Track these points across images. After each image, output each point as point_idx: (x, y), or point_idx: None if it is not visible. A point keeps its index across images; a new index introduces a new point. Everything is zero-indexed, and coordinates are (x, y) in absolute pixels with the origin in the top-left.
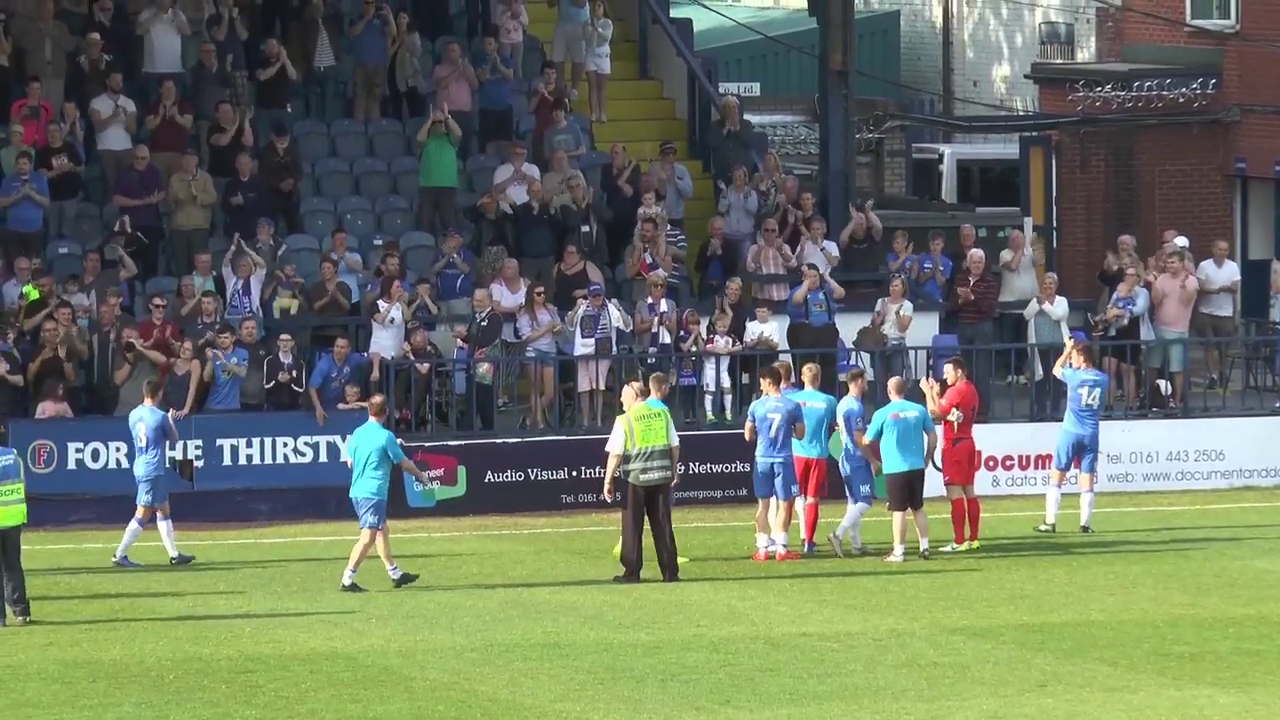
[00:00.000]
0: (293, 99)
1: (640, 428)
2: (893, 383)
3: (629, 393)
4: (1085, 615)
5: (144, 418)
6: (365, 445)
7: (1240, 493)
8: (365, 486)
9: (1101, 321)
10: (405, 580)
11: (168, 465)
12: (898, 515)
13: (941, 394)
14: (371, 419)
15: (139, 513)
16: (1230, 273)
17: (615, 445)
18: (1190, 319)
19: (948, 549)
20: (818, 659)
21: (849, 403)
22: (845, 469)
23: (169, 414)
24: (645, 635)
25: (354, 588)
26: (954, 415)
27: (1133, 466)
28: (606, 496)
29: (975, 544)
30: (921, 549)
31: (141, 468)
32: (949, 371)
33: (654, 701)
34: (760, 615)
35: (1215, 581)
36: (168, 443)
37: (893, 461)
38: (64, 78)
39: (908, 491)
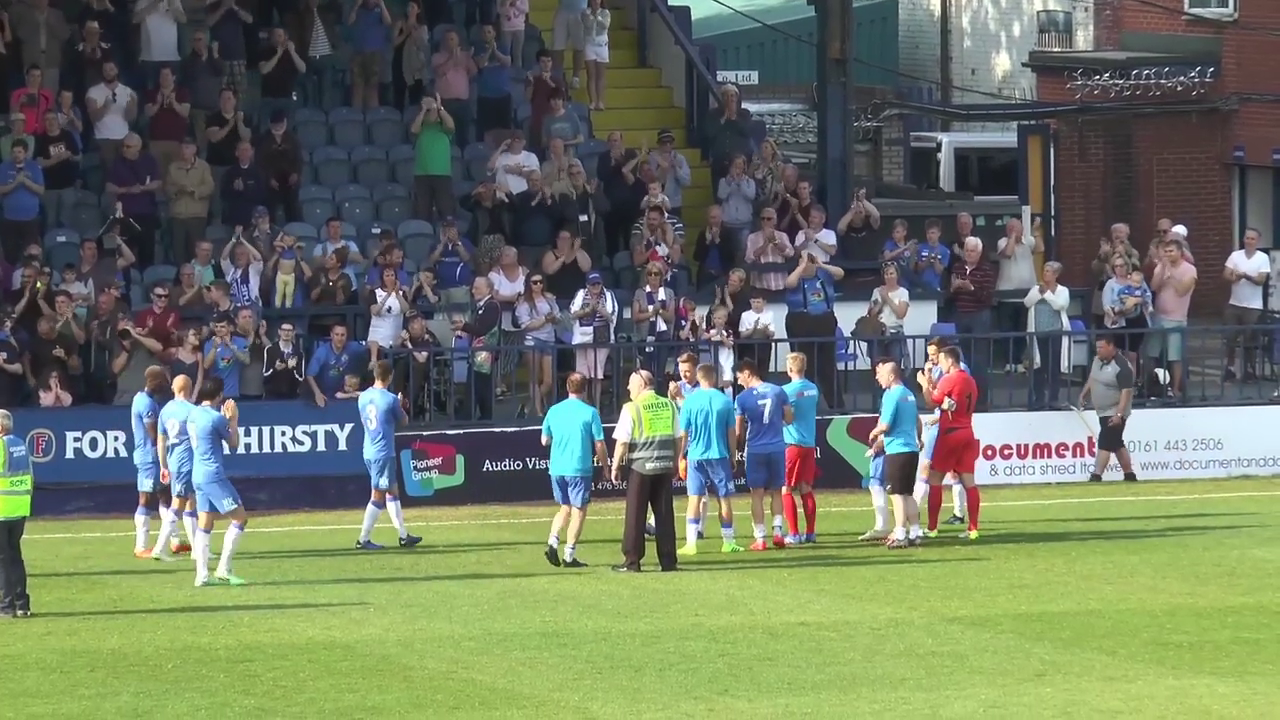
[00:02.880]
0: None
1: (648, 416)
2: (888, 369)
3: (637, 381)
4: (1084, 605)
5: (375, 400)
6: (568, 422)
7: (1239, 482)
8: (569, 463)
9: (1120, 313)
10: (578, 565)
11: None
12: (899, 498)
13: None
14: (572, 396)
15: (374, 496)
16: (1259, 263)
17: (623, 433)
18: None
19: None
20: (816, 648)
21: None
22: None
23: (400, 396)
24: (644, 624)
25: (575, 563)
26: (947, 404)
27: (1131, 455)
28: (614, 482)
29: (974, 535)
30: (911, 536)
31: (371, 450)
32: (943, 360)
33: (652, 690)
34: (759, 604)
35: (1214, 571)
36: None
37: (895, 443)
38: (59, 66)
39: (909, 473)
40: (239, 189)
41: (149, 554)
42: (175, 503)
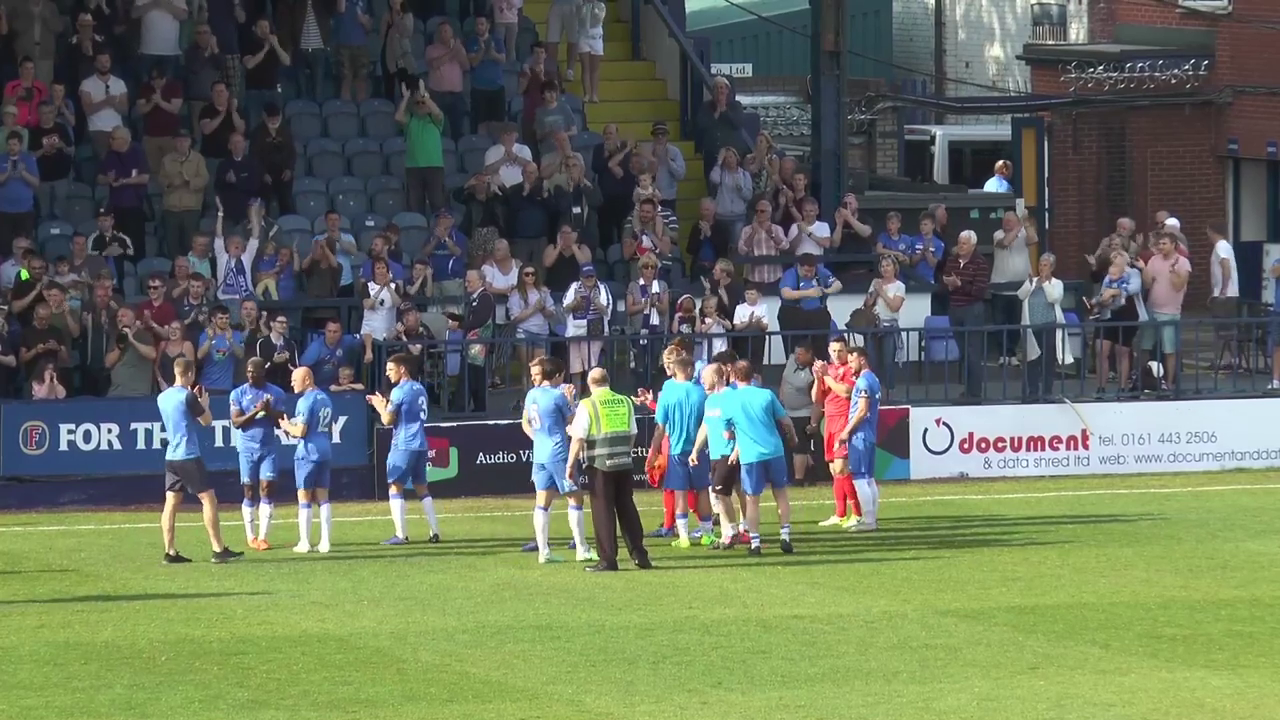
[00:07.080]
0: (283, 80)
1: (605, 412)
2: (740, 367)
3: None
4: (1077, 597)
5: (537, 399)
6: (750, 405)
7: (1232, 475)
8: (758, 448)
9: (1098, 304)
10: (756, 553)
11: None
12: (723, 499)
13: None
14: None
15: (540, 499)
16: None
17: (579, 429)
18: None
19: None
20: (809, 641)
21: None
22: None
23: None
24: (637, 617)
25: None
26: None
27: (1124, 448)
28: (568, 481)
29: (843, 522)
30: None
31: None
32: (835, 350)
33: (646, 683)
34: (752, 597)
35: (1207, 564)
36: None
37: (729, 446)
38: (54, 59)
39: (735, 475)
40: (232, 181)
41: (264, 544)
42: (249, 492)
